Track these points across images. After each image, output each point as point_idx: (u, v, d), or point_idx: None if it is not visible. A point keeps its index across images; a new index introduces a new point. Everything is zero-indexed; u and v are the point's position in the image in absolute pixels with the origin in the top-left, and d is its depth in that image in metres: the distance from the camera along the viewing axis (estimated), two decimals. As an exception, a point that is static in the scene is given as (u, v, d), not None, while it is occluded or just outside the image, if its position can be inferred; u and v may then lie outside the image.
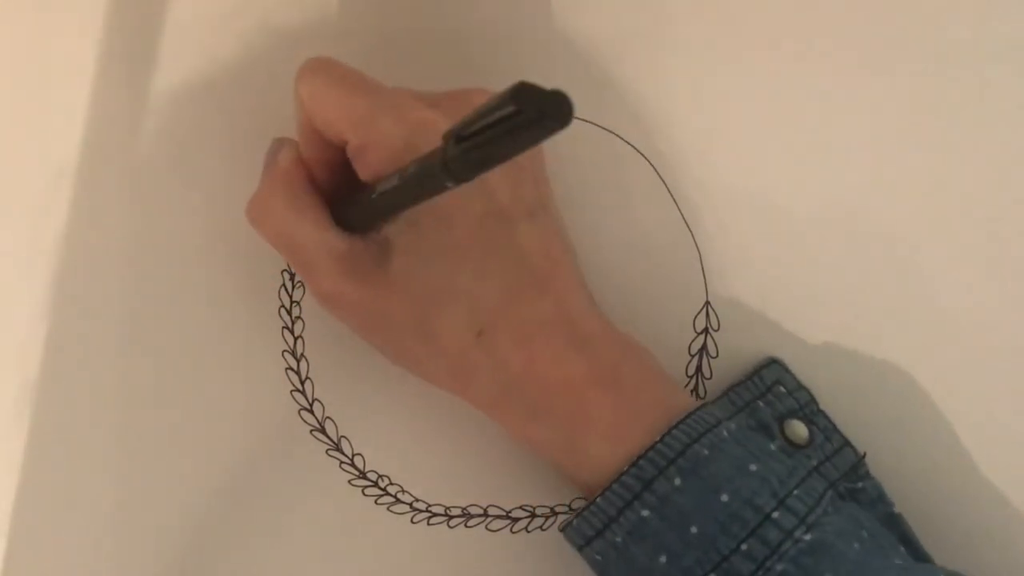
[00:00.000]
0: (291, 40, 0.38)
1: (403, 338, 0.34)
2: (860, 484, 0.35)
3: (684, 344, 0.38)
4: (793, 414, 0.36)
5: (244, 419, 0.37)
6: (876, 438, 0.37)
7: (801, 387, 0.37)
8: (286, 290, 0.38)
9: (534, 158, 0.36)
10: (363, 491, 0.37)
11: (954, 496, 0.37)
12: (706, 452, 0.32)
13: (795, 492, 0.32)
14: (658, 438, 0.32)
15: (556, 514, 0.37)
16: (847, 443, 0.36)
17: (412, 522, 0.37)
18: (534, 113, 0.23)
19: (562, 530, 0.35)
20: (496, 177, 0.33)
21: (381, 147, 0.32)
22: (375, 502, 0.37)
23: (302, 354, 0.37)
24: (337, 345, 0.37)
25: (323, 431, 0.37)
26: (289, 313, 0.37)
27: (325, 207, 0.34)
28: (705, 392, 0.38)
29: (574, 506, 0.37)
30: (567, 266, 0.35)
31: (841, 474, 0.35)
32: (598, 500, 0.33)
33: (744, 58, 0.39)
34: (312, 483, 0.37)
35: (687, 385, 0.38)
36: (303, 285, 0.38)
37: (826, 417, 0.37)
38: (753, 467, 0.32)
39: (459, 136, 0.25)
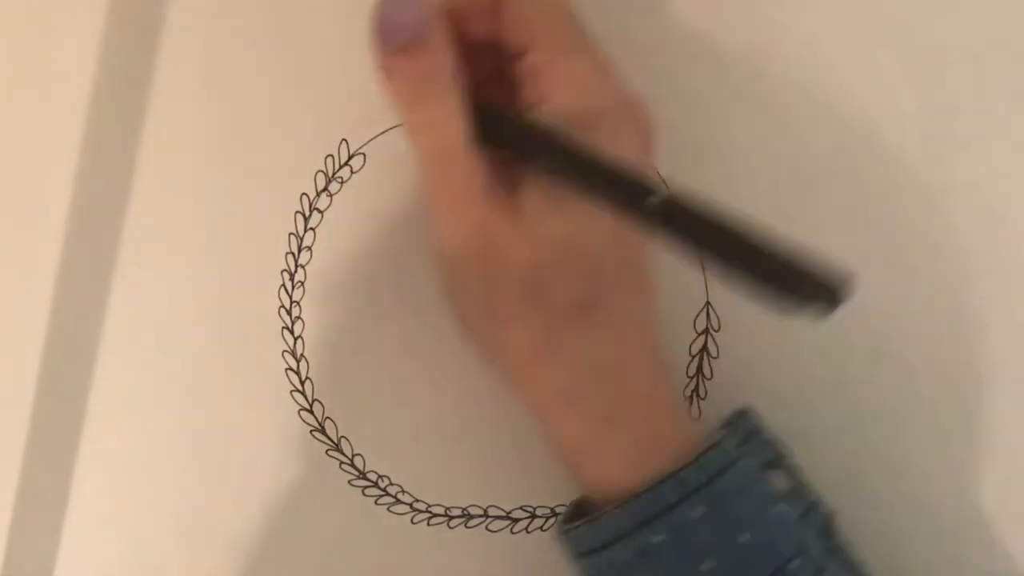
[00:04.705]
0: (292, 41, 0.38)
1: (505, 281, 0.31)
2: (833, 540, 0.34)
3: (684, 344, 0.38)
4: (773, 465, 0.34)
5: (244, 419, 0.37)
6: (876, 437, 0.37)
7: (776, 439, 0.35)
8: (286, 290, 0.38)
9: None
10: (363, 491, 0.37)
11: (957, 498, 0.37)
12: (733, 487, 0.31)
13: (812, 540, 0.31)
14: (679, 465, 0.31)
15: (556, 514, 0.37)
16: (819, 499, 0.34)
17: (412, 522, 0.37)
18: (799, 296, 0.22)
19: (561, 532, 0.33)
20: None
21: (575, 94, 0.31)
22: (375, 502, 0.37)
23: (302, 354, 0.37)
24: (337, 345, 0.37)
25: (323, 431, 0.37)
26: (289, 313, 0.37)
27: (469, 104, 0.31)
28: (706, 393, 0.38)
29: (574, 506, 0.37)
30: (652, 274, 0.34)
31: (822, 527, 0.34)
32: (614, 512, 0.31)
33: (745, 59, 0.39)
34: (312, 483, 0.37)
35: (687, 385, 0.38)
36: (303, 285, 0.38)
37: (799, 470, 0.35)
38: (775, 509, 0.31)
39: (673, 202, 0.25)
